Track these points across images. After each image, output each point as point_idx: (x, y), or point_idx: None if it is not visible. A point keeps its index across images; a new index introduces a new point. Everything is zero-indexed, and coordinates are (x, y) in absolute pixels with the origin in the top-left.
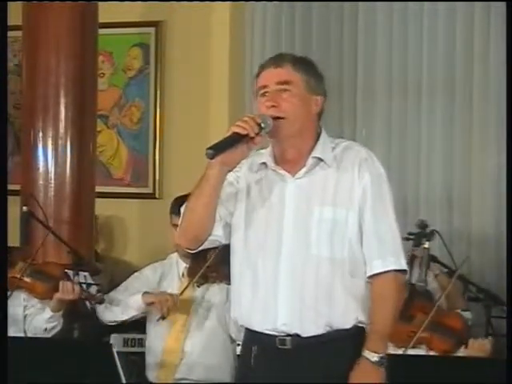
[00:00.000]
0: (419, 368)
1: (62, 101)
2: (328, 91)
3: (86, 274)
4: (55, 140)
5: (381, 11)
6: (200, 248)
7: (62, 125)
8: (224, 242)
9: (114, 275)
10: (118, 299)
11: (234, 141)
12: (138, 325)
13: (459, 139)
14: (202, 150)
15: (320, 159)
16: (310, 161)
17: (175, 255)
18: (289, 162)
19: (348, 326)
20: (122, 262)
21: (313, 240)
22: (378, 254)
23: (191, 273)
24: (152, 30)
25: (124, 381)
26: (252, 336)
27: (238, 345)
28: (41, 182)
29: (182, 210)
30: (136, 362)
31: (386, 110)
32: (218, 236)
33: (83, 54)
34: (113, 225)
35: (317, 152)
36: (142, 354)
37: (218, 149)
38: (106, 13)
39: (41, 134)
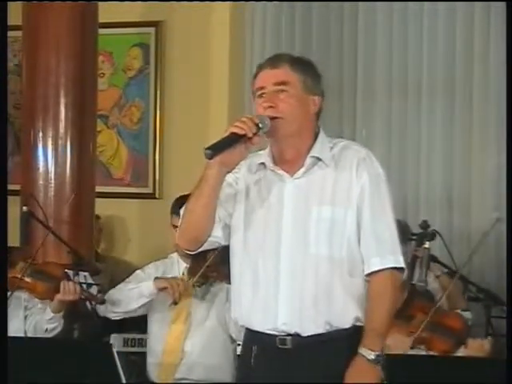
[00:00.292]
0: (419, 368)
1: (62, 101)
2: (328, 91)
3: (86, 274)
4: (55, 140)
5: (381, 11)
6: (199, 249)
7: (62, 125)
8: (223, 243)
9: (114, 275)
10: (124, 290)
11: (232, 141)
12: (138, 325)
13: (459, 139)
14: (201, 150)
15: (318, 159)
16: (309, 160)
17: (176, 255)
18: (287, 161)
19: (347, 325)
20: (123, 262)
21: (312, 239)
22: (376, 253)
23: (191, 272)
24: (152, 29)
25: (124, 381)
26: (252, 336)
27: (239, 345)
28: (41, 182)
29: (182, 211)
30: (136, 361)
31: (386, 110)
32: (217, 237)
33: (83, 54)
34: (113, 225)
35: (315, 151)
36: (142, 354)
37: (216, 149)
38: (106, 13)
39: (41, 134)
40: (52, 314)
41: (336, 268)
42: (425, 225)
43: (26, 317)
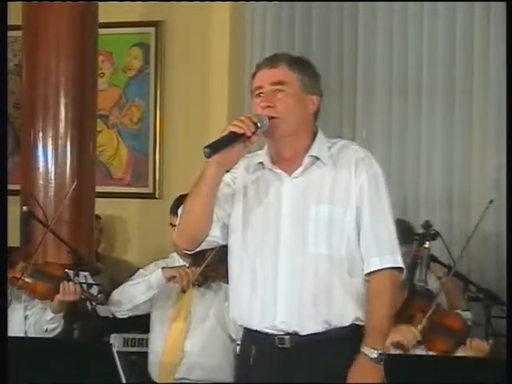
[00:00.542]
0: (419, 368)
1: (62, 101)
2: (328, 91)
3: (86, 273)
4: (55, 140)
5: (381, 11)
6: (198, 249)
7: (62, 125)
8: (221, 242)
9: (114, 275)
10: (130, 286)
11: (230, 140)
12: (138, 325)
13: (459, 139)
14: (201, 150)
15: (316, 158)
16: (307, 160)
17: (176, 254)
18: (285, 161)
19: (346, 323)
20: (122, 262)
21: (310, 239)
22: (375, 252)
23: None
24: (152, 29)
25: (124, 381)
26: (251, 335)
27: (238, 344)
28: (41, 182)
29: (180, 211)
30: (136, 361)
31: (386, 110)
32: (215, 237)
33: (83, 54)
34: (113, 225)
35: (313, 151)
36: (142, 354)
37: (215, 147)
38: (105, 13)
39: (41, 134)
40: (52, 315)
41: (335, 267)
42: (427, 225)
43: (26, 317)
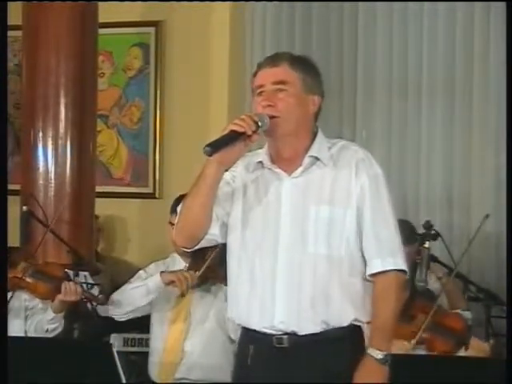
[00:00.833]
0: (419, 368)
1: (62, 101)
2: (328, 91)
3: (86, 273)
4: (55, 140)
5: (381, 11)
6: (196, 247)
7: (62, 125)
8: (220, 240)
9: (114, 275)
10: (129, 289)
11: (231, 138)
12: (138, 325)
13: (459, 139)
14: (201, 150)
15: (316, 158)
16: (307, 160)
17: (176, 254)
18: (285, 160)
19: (345, 324)
20: (122, 262)
21: (310, 238)
22: (376, 254)
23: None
24: (152, 29)
25: (124, 381)
26: (249, 335)
27: None
28: (41, 182)
29: (179, 209)
30: (136, 361)
31: (386, 110)
32: (214, 235)
33: (83, 54)
34: (113, 224)
35: (313, 151)
36: (142, 354)
37: (215, 146)
38: (105, 13)
39: (41, 134)
40: (53, 315)
41: (334, 268)
42: (428, 225)
43: (26, 317)
